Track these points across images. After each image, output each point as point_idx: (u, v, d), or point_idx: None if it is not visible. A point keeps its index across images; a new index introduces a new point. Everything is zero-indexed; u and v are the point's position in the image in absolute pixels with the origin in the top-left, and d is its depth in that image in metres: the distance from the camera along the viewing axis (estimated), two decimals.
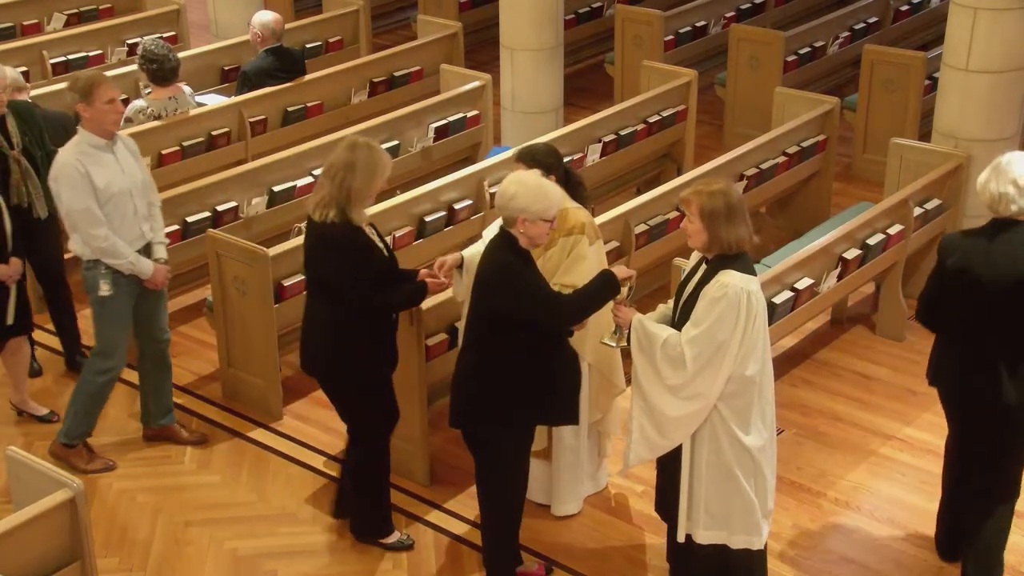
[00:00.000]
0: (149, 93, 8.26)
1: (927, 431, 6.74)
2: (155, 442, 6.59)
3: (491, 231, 5.56)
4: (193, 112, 8.37)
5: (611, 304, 5.14)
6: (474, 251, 5.54)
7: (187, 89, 8.37)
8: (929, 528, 6.00)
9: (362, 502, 5.86)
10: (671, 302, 5.20)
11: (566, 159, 7.20)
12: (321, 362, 5.55)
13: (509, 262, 5.03)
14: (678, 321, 4.98)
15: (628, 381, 5.59)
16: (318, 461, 6.53)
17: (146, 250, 6.15)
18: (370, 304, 5.35)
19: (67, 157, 5.92)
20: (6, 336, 6.48)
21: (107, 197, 5.93)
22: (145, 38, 8.31)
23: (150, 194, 6.22)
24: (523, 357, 5.09)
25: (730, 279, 4.81)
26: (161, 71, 7.90)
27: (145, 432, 6.62)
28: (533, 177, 5.09)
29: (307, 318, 5.57)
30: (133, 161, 6.13)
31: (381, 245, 5.49)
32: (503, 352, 5.08)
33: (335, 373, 5.56)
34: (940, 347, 5.40)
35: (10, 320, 6.37)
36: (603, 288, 5.10)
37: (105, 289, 6.03)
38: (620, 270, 5.14)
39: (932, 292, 5.31)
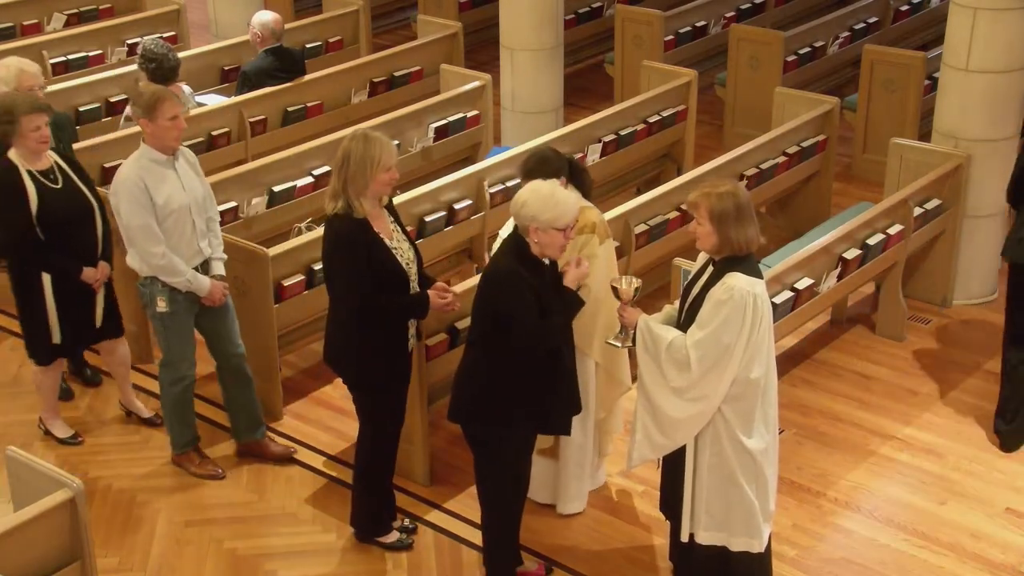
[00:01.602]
0: None
1: (927, 431, 6.74)
2: (246, 458, 6.49)
3: (507, 229, 5.57)
4: (193, 112, 8.36)
5: (617, 304, 5.14)
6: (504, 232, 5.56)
7: (187, 89, 8.36)
8: (929, 528, 6.01)
9: (360, 498, 5.86)
10: (677, 303, 5.20)
11: None
12: (335, 357, 5.59)
13: (512, 270, 5.01)
14: (684, 322, 4.98)
15: (634, 379, 5.59)
16: (318, 461, 6.53)
17: (204, 266, 6.07)
18: (362, 303, 5.32)
19: (128, 172, 5.83)
20: (95, 339, 6.51)
21: (166, 214, 5.84)
22: (145, 38, 8.30)
23: (209, 209, 6.14)
24: (524, 358, 5.08)
25: (736, 282, 4.80)
26: (161, 70, 7.90)
27: (238, 447, 6.55)
28: (548, 186, 5.05)
29: (329, 311, 5.59)
30: (194, 176, 6.04)
31: (397, 245, 5.42)
32: (505, 352, 5.07)
33: (348, 368, 5.58)
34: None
35: (98, 323, 6.38)
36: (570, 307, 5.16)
37: (162, 305, 5.97)
38: (625, 288, 5.11)
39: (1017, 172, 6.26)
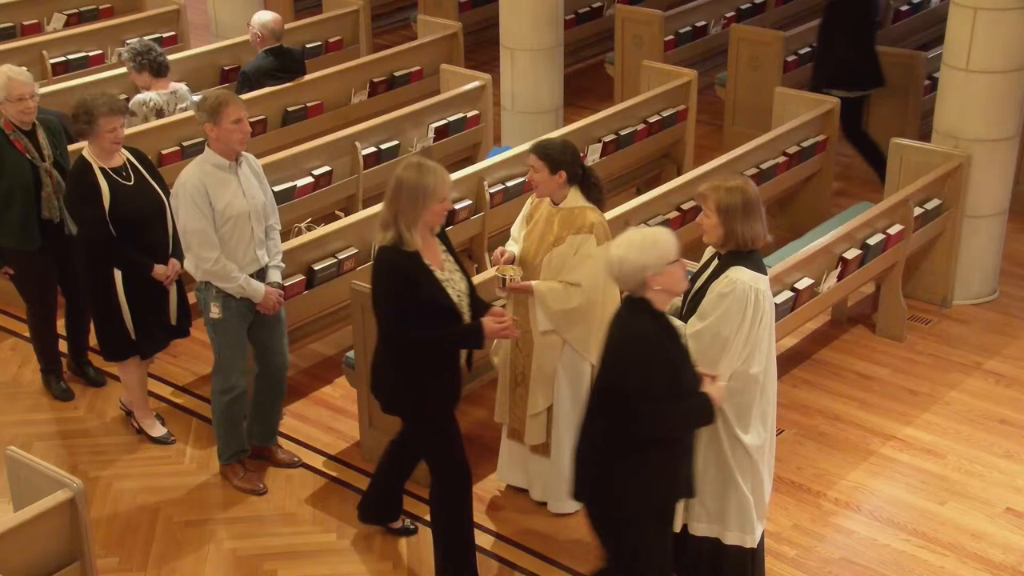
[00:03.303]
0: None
1: (927, 431, 6.74)
2: (255, 460, 6.42)
3: (517, 228, 5.53)
4: (192, 112, 8.35)
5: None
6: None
7: (184, 87, 8.38)
8: (929, 528, 6.01)
9: (440, 549, 5.51)
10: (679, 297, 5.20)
11: None
12: (382, 394, 5.36)
13: (646, 334, 4.50)
14: (686, 314, 5.00)
15: None
16: (318, 461, 6.53)
17: (260, 274, 6.01)
18: (399, 337, 5.10)
19: (189, 175, 5.78)
20: (170, 337, 6.52)
21: (224, 220, 5.78)
22: (126, 44, 8.28)
23: (270, 217, 6.07)
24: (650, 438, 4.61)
25: (739, 275, 4.82)
26: (154, 63, 7.92)
27: (219, 468, 6.44)
28: (628, 235, 4.61)
29: (374, 352, 5.41)
30: (256, 183, 5.97)
31: (448, 276, 5.19)
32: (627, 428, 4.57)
33: (395, 406, 5.38)
34: None
35: (173, 320, 6.39)
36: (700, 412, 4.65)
37: (215, 311, 5.90)
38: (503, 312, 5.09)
39: None
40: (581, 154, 8.16)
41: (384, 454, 5.84)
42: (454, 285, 5.20)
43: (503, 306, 5.58)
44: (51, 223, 6.57)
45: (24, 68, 6.62)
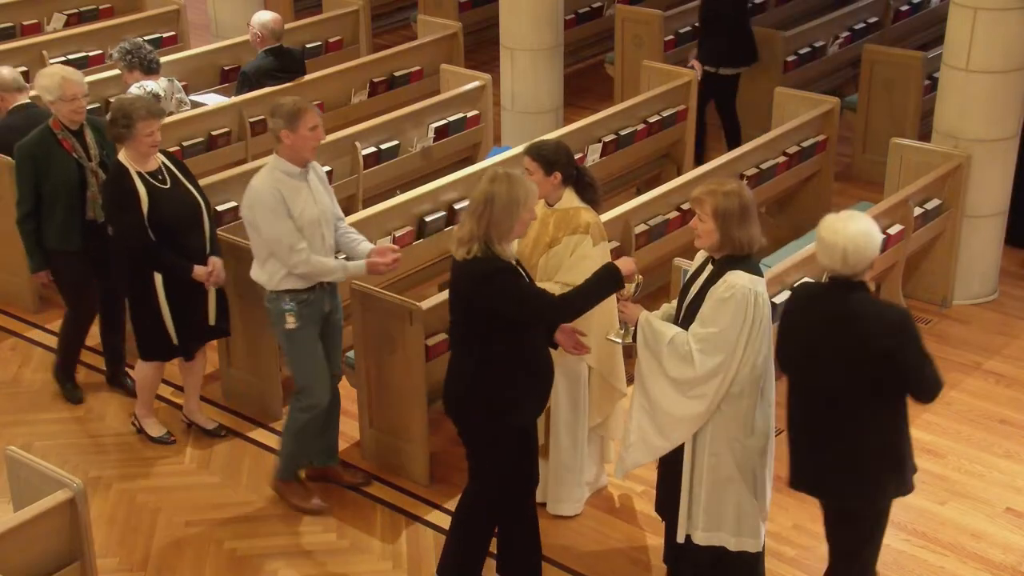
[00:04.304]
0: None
1: (927, 431, 6.74)
2: (318, 482, 6.29)
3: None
4: (193, 112, 8.37)
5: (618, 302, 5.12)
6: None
7: (178, 83, 8.41)
8: (929, 528, 6.00)
9: (454, 544, 5.47)
10: (675, 302, 5.20)
11: None
12: (453, 400, 5.21)
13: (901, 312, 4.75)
14: (682, 321, 4.98)
15: (630, 383, 5.58)
16: None
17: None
18: (541, 317, 5.07)
19: (263, 185, 5.65)
20: (208, 336, 6.48)
21: (299, 227, 5.65)
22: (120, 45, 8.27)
23: (336, 210, 5.96)
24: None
25: (738, 280, 4.81)
26: (145, 61, 7.93)
27: (307, 472, 6.30)
28: (832, 231, 4.66)
29: (450, 362, 5.22)
30: (323, 189, 5.86)
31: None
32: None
33: (464, 413, 5.21)
34: None
35: (212, 320, 6.34)
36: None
37: (291, 322, 5.77)
38: (625, 264, 5.04)
39: None
40: (580, 154, 8.26)
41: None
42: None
43: None
44: (93, 224, 6.53)
45: (78, 72, 6.64)
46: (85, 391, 7.08)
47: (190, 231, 6.16)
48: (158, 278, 6.13)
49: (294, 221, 5.64)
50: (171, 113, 8.18)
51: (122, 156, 6.09)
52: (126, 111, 5.99)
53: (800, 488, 4.96)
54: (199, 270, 6.14)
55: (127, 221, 6.04)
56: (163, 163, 6.18)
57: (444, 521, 6.05)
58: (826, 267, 4.72)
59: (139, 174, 6.05)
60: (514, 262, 5.03)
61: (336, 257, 5.95)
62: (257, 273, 5.84)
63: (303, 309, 5.81)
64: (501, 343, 5.01)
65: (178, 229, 6.10)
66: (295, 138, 5.62)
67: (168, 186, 6.13)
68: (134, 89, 8.06)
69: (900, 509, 6.15)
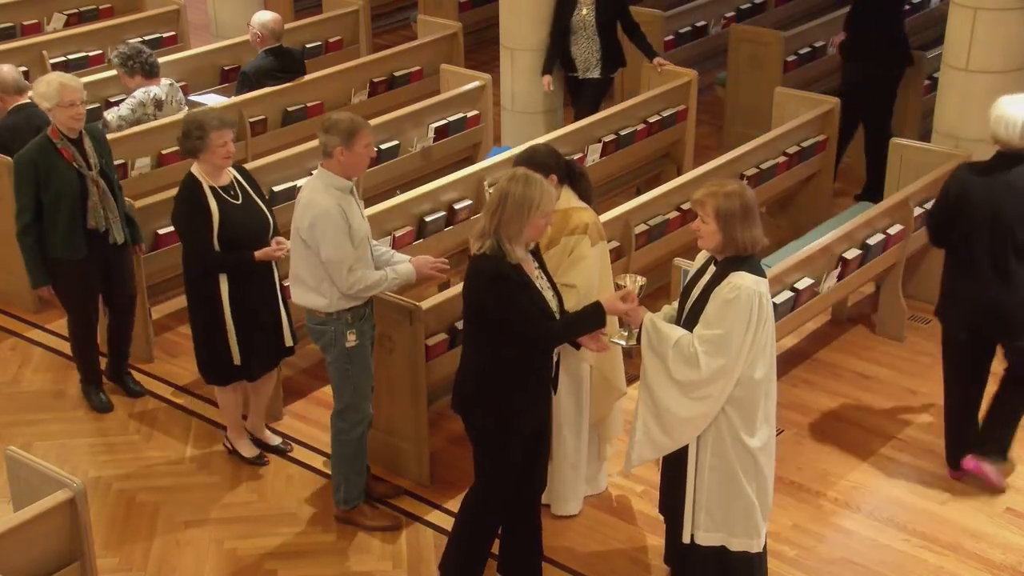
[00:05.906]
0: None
1: (927, 431, 6.74)
2: (344, 524, 6.05)
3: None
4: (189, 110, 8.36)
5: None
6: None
7: (177, 84, 8.42)
8: (929, 528, 6.01)
9: (457, 542, 5.48)
10: (676, 303, 5.20)
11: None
12: (461, 399, 5.21)
13: None
14: (684, 322, 4.98)
15: (630, 383, 5.58)
16: (318, 461, 6.53)
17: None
18: (547, 337, 5.05)
19: (326, 202, 5.45)
20: (281, 357, 6.36)
21: (355, 244, 5.52)
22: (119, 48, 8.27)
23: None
24: None
25: (742, 281, 4.80)
26: (146, 65, 7.93)
27: (337, 513, 6.09)
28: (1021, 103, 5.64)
29: (461, 359, 5.22)
30: (362, 203, 5.77)
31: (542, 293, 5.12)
32: None
33: (471, 414, 5.21)
34: None
35: (287, 342, 6.21)
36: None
37: (352, 340, 5.63)
38: (612, 306, 5.02)
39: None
40: (580, 154, 8.26)
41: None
42: (547, 303, 5.12)
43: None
44: (96, 232, 6.48)
45: (76, 78, 6.60)
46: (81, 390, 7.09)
47: (257, 247, 5.99)
48: (224, 294, 5.95)
49: (353, 236, 5.54)
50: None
51: (195, 170, 5.94)
52: (199, 122, 5.87)
53: (985, 328, 6.03)
54: (260, 252, 5.97)
55: (196, 237, 5.90)
56: (235, 177, 6.06)
57: (444, 521, 6.06)
58: (1002, 141, 5.75)
59: (212, 188, 5.93)
60: (520, 264, 4.98)
61: None
62: (311, 298, 5.63)
63: (362, 325, 5.71)
64: (512, 347, 5.00)
65: (247, 246, 5.96)
66: (350, 155, 5.49)
67: (240, 201, 6.00)
68: (139, 94, 8.09)
69: (900, 509, 6.16)
